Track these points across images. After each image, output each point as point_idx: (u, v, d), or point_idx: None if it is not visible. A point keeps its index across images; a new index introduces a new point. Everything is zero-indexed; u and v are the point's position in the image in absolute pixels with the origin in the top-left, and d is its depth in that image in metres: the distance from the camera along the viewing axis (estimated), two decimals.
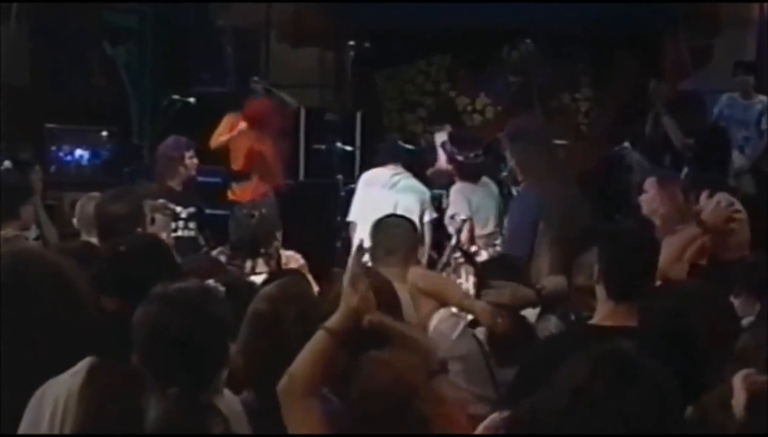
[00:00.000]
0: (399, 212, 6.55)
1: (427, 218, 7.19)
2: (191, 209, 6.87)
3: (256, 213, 4.94)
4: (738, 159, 7.94)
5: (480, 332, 3.75)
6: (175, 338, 2.41)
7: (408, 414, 2.37)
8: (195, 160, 7.03)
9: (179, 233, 6.84)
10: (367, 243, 6.48)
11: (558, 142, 8.60)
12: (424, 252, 6.82)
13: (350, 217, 7.27)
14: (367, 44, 9.16)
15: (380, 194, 7.11)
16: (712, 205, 4.50)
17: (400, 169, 7.26)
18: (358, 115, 9.53)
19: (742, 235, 4.22)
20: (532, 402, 2.27)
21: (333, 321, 2.63)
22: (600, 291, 3.30)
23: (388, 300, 2.95)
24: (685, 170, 7.39)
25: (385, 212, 6.45)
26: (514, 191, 7.94)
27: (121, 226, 4.07)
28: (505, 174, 8.41)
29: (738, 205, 4.32)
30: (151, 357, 2.46)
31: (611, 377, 2.14)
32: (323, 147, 8.93)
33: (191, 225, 6.89)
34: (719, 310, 2.84)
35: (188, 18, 9.98)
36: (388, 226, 4.50)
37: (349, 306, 2.61)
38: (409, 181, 7.24)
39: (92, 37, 9.58)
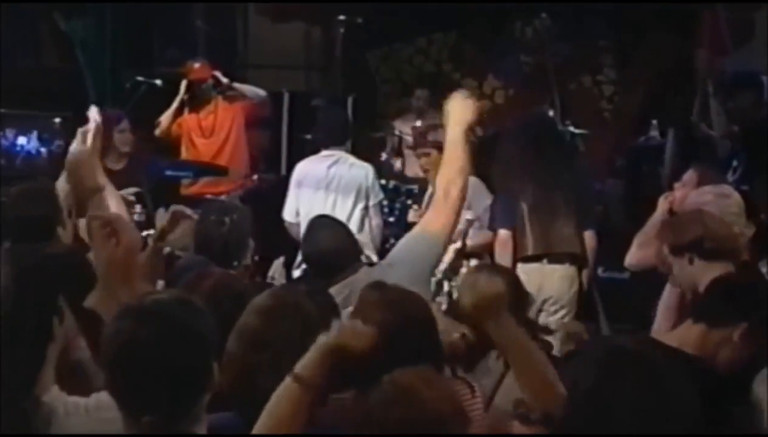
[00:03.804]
0: (338, 208, 6.64)
1: (371, 201, 7.11)
2: (129, 190, 6.86)
3: (227, 219, 4.85)
4: None
5: None
6: (152, 358, 2.37)
7: None
8: (128, 135, 7.12)
9: None
10: None
11: (577, 130, 8.61)
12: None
13: (286, 217, 7.18)
14: (359, 19, 9.12)
15: (315, 191, 7.05)
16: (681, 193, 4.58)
17: (338, 153, 7.14)
18: (350, 100, 9.50)
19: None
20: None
21: (304, 365, 2.57)
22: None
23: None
24: (734, 163, 7.33)
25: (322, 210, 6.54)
26: None
27: (35, 230, 3.97)
28: None
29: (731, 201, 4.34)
30: (122, 380, 2.40)
31: (620, 378, 2.33)
32: (309, 137, 8.90)
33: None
34: None
35: None
36: (312, 243, 4.57)
37: (327, 345, 2.55)
38: (347, 170, 7.09)
39: (43, 10, 9.52)
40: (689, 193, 5.21)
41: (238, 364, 2.71)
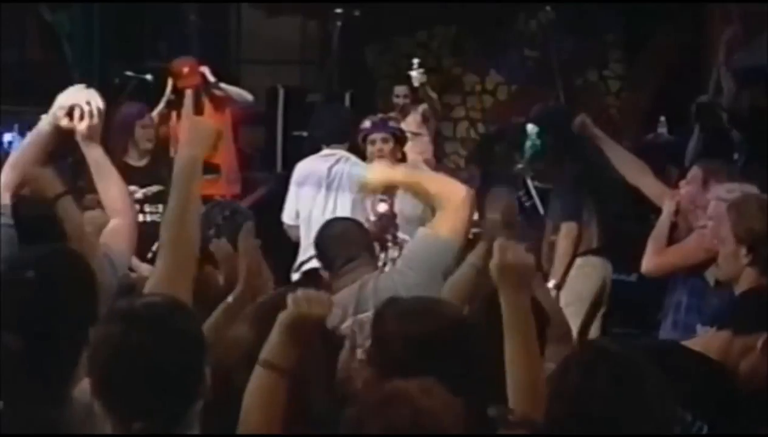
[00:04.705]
0: (338, 211, 6.64)
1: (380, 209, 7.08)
2: (152, 188, 6.83)
3: (232, 220, 4.83)
4: None
5: None
6: (143, 363, 2.38)
7: None
8: (151, 130, 7.05)
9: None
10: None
11: None
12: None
13: (285, 219, 7.15)
14: (356, 12, 9.11)
15: (315, 192, 7.02)
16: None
17: (339, 152, 7.10)
18: (347, 97, 9.48)
19: None
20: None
21: (270, 349, 2.61)
22: None
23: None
24: (735, 156, 7.33)
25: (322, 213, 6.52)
26: (530, 184, 7.92)
27: (46, 230, 3.97)
28: (521, 166, 8.40)
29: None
30: (112, 385, 2.41)
31: (602, 379, 2.45)
32: (305, 134, 8.88)
33: (147, 208, 6.84)
34: None
35: None
36: (328, 238, 4.59)
37: (285, 321, 2.59)
38: (349, 170, 7.05)
39: (28, 1, 9.49)
40: (698, 189, 5.22)
41: (225, 373, 2.72)
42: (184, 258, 3.05)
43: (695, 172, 5.35)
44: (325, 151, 7.06)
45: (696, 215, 5.31)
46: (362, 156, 7.45)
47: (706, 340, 3.44)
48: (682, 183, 5.38)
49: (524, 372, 2.73)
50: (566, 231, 6.13)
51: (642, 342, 3.39)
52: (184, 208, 3.06)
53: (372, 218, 6.57)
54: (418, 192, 4.12)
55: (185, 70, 8.19)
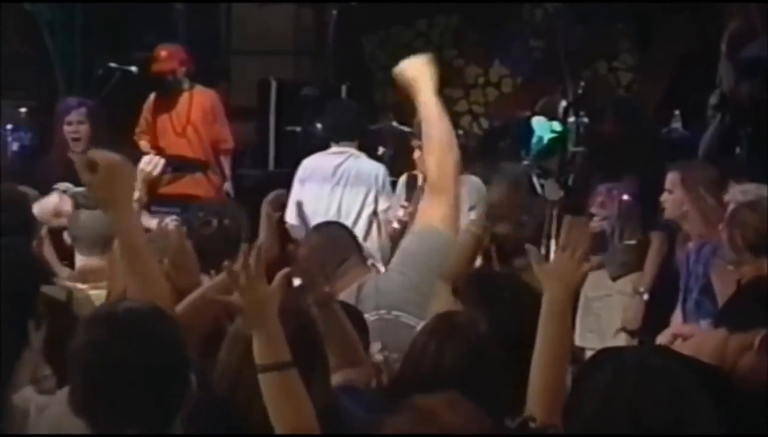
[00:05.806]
0: (343, 211, 6.57)
1: (381, 206, 6.98)
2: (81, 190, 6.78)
3: (215, 221, 4.81)
4: None
5: None
6: (128, 369, 2.41)
7: None
8: (76, 126, 6.92)
9: None
10: None
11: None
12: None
13: (288, 219, 7.05)
14: (353, 1, 9.09)
15: (319, 190, 6.95)
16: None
17: (349, 150, 7.05)
18: (343, 89, 9.45)
19: None
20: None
21: (259, 353, 2.66)
22: None
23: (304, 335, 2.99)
24: (737, 150, 7.35)
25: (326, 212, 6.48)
26: (535, 181, 7.86)
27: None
28: (526, 163, 8.34)
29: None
30: (95, 394, 2.44)
31: (652, 395, 2.44)
32: (299, 129, 8.86)
33: None
34: None
35: None
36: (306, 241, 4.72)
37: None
38: (357, 169, 7.00)
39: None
40: (682, 192, 5.24)
41: (233, 376, 2.82)
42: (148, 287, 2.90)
43: (673, 177, 5.42)
44: (334, 148, 7.02)
45: (688, 217, 5.34)
46: (371, 153, 7.42)
47: (699, 341, 3.40)
48: (664, 196, 5.41)
49: (550, 374, 2.86)
50: (660, 242, 6.34)
51: (627, 353, 3.33)
52: (131, 261, 2.86)
53: (394, 225, 6.55)
54: (425, 137, 4.15)
55: (163, 53, 8.07)
